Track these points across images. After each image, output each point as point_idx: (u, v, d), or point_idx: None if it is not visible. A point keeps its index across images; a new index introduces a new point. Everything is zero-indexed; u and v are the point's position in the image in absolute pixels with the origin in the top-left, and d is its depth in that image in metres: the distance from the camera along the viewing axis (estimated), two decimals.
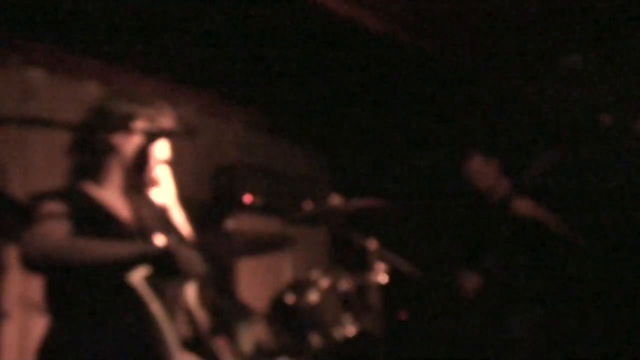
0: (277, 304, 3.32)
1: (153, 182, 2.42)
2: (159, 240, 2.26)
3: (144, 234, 2.38)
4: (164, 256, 2.07)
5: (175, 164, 2.50)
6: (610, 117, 4.17)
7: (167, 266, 2.07)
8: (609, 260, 4.48)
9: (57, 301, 2.24)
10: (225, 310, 2.17)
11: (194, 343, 2.29)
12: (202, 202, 5.38)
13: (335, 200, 3.46)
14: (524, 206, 3.96)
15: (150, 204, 2.42)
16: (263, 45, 4.83)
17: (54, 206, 2.15)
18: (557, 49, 4.93)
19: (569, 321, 4.40)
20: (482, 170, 4.24)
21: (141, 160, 2.36)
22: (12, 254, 4.00)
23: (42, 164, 4.48)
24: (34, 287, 4.18)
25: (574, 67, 4.83)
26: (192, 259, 2.11)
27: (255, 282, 4.84)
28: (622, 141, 4.47)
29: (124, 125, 2.28)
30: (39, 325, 4.12)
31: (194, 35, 4.62)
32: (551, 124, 4.79)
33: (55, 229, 2.10)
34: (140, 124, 2.31)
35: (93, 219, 2.19)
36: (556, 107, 4.86)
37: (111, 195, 2.36)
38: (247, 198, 5.25)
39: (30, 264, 2.06)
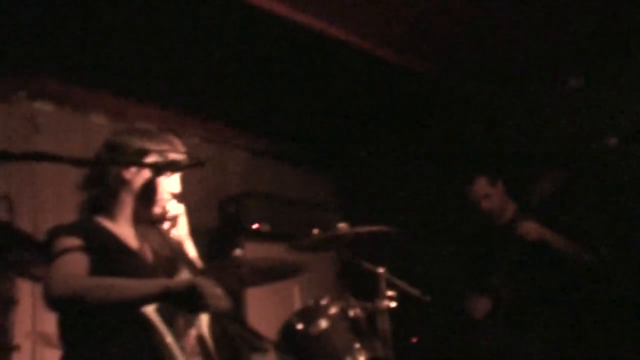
0: (287, 331, 3.32)
1: (166, 216, 2.44)
2: (183, 275, 2.28)
3: (161, 269, 2.40)
4: (190, 292, 2.05)
5: (184, 193, 2.51)
6: (615, 139, 4.17)
7: (194, 302, 2.04)
8: (619, 278, 4.46)
9: (69, 333, 2.24)
10: (238, 339, 2.16)
11: None
12: (210, 231, 5.39)
13: (344, 226, 3.47)
14: (529, 228, 3.95)
15: (164, 238, 2.44)
16: (267, 73, 4.87)
17: (72, 240, 2.15)
18: (561, 71, 4.95)
19: (581, 342, 4.37)
20: (488, 193, 4.24)
21: (153, 194, 2.38)
22: (22, 288, 4.02)
23: (50, 199, 4.51)
24: (45, 320, 4.21)
25: (577, 89, 4.85)
26: (218, 294, 2.11)
27: (264, 309, 4.83)
28: (628, 163, 4.48)
29: (136, 160, 2.30)
30: (50, 358, 4.14)
31: (199, 65, 4.67)
32: (556, 146, 4.79)
33: (77, 265, 2.09)
34: (152, 159, 2.33)
35: (110, 253, 2.20)
36: (561, 129, 4.87)
37: (125, 229, 2.38)
38: (255, 226, 5.26)
39: (56, 304, 2.04)
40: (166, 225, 2.46)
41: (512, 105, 5.27)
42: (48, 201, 4.49)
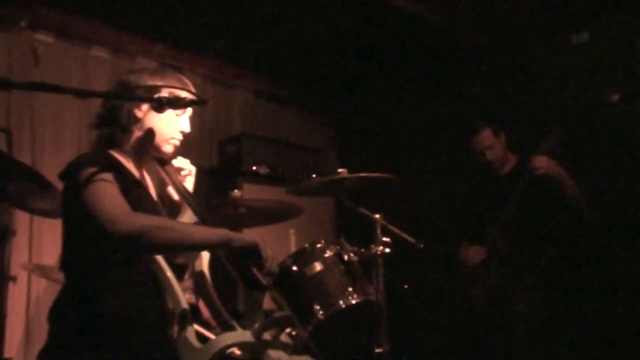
0: (282, 272, 3.35)
1: (175, 155, 2.48)
2: (186, 216, 2.34)
3: (166, 207, 2.45)
4: (252, 249, 2.14)
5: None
6: (617, 96, 4.15)
7: (251, 259, 2.15)
8: (614, 235, 4.49)
9: (71, 264, 2.26)
10: (236, 276, 2.18)
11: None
12: (209, 170, 5.40)
13: (343, 172, 3.47)
14: (543, 162, 3.95)
15: (171, 178, 2.46)
16: (272, 12, 4.81)
17: (101, 171, 2.14)
18: (567, 25, 4.89)
19: (572, 296, 4.42)
20: (492, 144, 4.24)
21: (164, 132, 2.41)
22: (20, 219, 4.05)
23: (49, 133, 4.50)
24: (42, 252, 4.25)
25: (580, 45, 4.80)
26: (274, 257, 2.21)
27: None
28: (630, 117, 4.46)
29: (146, 97, 2.30)
30: (46, 289, 4.19)
31: (203, 1, 4.60)
32: (560, 101, 4.77)
33: (119, 198, 2.10)
34: (162, 96, 2.32)
35: (125, 185, 2.20)
36: (563, 85, 4.84)
37: (134, 165, 2.41)
38: (254, 168, 5.27)
39: (123, 240, 2.00)
40: (175, 163, 2.50)
41: (515, 60, 5.22)
42: (47, 135, 4.49)
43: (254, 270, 2.16)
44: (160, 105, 2.15)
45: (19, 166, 3.30)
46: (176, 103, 2.17)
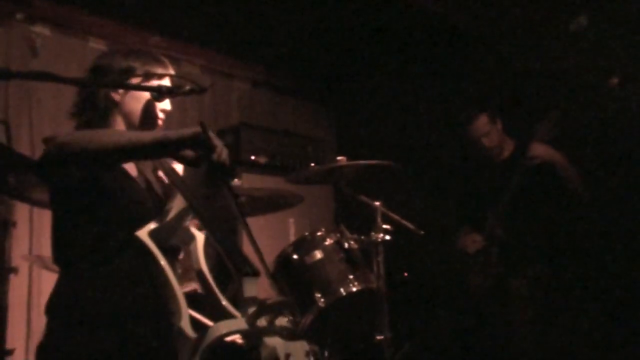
0: (282, 261, 3.36)
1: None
2: (177, 201, 2.25)
3: (151, 191, 2.42)
4: (195, 139, 1.97)
5: (180, 123, 2.51)
6: (618, 79, 4.15)
7: (199, 151, 1.99)
8: (613, 220, 4.50)
9: (65, 256, 2.26)
10: (230, 264, 2.17)
11: (200, 299, 2.32)
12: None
13: (342, 159, 3.47)
14: (540, 149, 3.96)
15: (161, 160, 2.42)
16: (269, 2, 4.81)
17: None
18: (565, 9, 4.88)
19: (572, 282, 4.43)
20: (488, 131, 4.24)
21: (146, 114, 2.35)
22: (20, 210, 4.05)
23: (47, 125, 4.50)
24: (42, 243, 4.26)
25: (581, 28, 4.79)
26: (222, 144, 2.03)
27: (259, 240, 4.85)
28: (630, 102, 4.46)
29: (122, 80, 2.27)
30: (47, 280, 4.20)
31: None
32: (557, 86, 4.77)
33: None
34: (138, 78, 2.29)
35: (111, 175, 2.20)
36: (562, 68, 4.84)
37: None
38: (252, 157, 5.27)
39: (58, 152, 1.98)
40: None
41: (513, 44, 5.21)
42: (45, 127, 4.48)
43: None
44: (160, 95, 2.13)
45: (18, 158, 3.30)
46: (176, 92, 2.14)
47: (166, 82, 2.34)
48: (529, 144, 4.00)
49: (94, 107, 2.31)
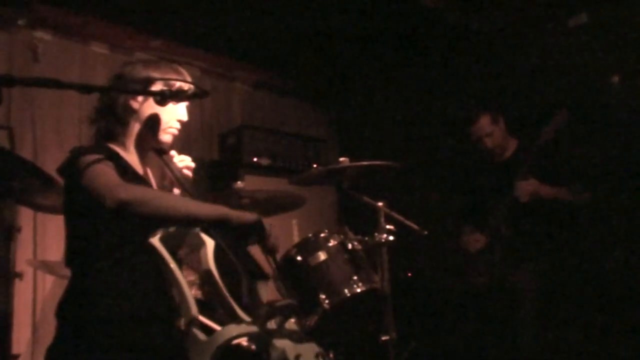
0: (286, 263, 3.36)
1: (172, 145, 2.49)
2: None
3: None
4: (254, 226, 2.14)
5: (183, 126, 2.53)
6: (619, 78, 4.15)
7: (254, 235, 2.15)
8: (616, 218, 4.50)
9: (78, 259, 2.28)
10: (241, 268, 2.18)
11: (210, 303, 2.33)
12: (210, 163, 5.41)
13: (345, 160, 3.47)
14: (523, 191, 3.98)
15: (169, 167, 2.47)
16: (269, 3, 4.81)
17: (99, 156, 2.19)
18: (566, 8, 4.88)
19: (575, 279, 4.44)
20: (491, 131, 4.24)
21: (160, 123, 2.42)
22: (25, 215, 4.06)
23: (50, 130, 4.51)
24: (47, 248, 4.26)
25: (579, 26, 4.79)
26: (275, 235, 2.21)
27: None
28: (631, 101, 4.46)
29: (142, 88, 2.33)
30: (51, 285, 4.21)
31: None
32: (561, 85, 4.76)
33: (115, 175, 2.14)
34: (158, 87, 2.36)
35: (123, 176, 2.22)
36: (563, 66, 4.84)
37: (133, 156, 2.43)
38: (255, 159, 5.28)
39: (120, 206, 2.02)
40: (172, 153, 2.50)
41: (514, 43, 5.21)
42: (48, 132, 4.50)
43: (260, 257, 2.15)
44: (163, 99, 2.16)
45: (22, 163, 3.31)
46: (178, 96, 2.18)
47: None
48: (514, 182, 4.01)
49: (113, 114, 2.40)
